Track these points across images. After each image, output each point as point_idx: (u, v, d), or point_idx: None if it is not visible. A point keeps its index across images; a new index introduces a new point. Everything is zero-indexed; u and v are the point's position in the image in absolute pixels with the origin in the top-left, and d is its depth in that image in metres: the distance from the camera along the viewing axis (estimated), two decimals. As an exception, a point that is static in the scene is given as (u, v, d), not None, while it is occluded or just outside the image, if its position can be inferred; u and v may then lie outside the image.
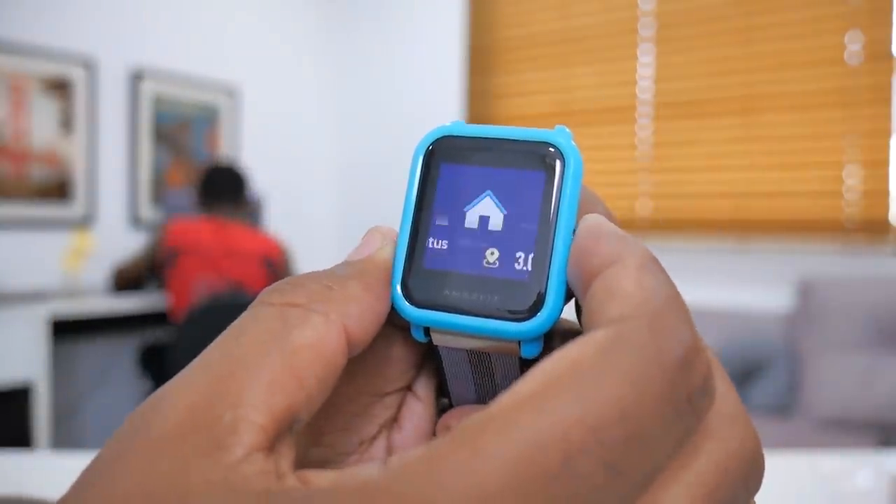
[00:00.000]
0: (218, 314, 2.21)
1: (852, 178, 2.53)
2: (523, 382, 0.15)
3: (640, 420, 0.14)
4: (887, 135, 2.47)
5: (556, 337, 0.21)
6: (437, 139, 0.22)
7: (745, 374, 2.39)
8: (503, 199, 0.21)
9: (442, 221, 0.21)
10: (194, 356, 0.17)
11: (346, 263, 0.20)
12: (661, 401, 0.14)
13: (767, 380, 2.35)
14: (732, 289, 2.67)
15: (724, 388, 0.18)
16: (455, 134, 0.22)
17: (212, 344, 0.17)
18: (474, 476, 0.13)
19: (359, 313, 0.18)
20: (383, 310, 0.19)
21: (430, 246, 0.21)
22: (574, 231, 0.20)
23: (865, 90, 2.50)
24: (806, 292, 2.41)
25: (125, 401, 2.90)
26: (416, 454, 0.14)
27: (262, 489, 0.14)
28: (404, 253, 0.21)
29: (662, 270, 0.17)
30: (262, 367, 0.16)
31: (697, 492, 0.15)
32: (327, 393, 0.17)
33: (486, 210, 0.21)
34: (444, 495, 0.13)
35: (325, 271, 0.19)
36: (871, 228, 2.49)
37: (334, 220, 3.75)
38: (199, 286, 2.30)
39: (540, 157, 0.21)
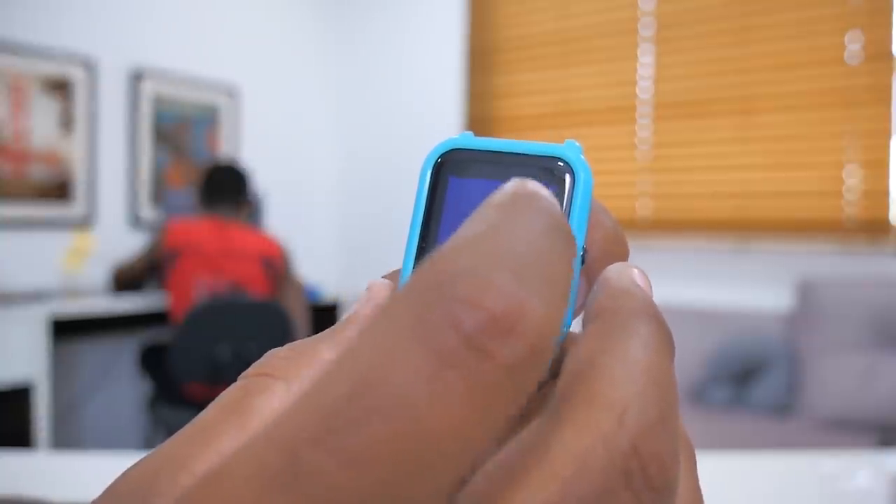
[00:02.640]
0: (218, 314, 2.21)
1: (852, 178, 2.53)
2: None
3: (381, 390, 0.11)
4: (887, 135, 2.47)
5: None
6: (446, 152, 0.22)
7: (745, 374, 2.39)
8: None
9: (450, 236, 0.21)
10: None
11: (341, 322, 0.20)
12: (411, 360, 0.11)
13: (767, 380, 2.35)
14: (732, 289, 2.67)
15: (687, 483, 0.16)
16: (464, 147, 0.22)
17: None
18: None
19: None
20: None
21: None
22: (583, 247, 0.20)
23: (865, 90, 2.50)
24: (806, 292, 2.42)
25: (125, 401, 2.90)
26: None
27: None
28: (411, 267, 0.21)
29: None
30: (215, 436, 0.16)
31: (546, 488, 0.13)
32: None
33: None
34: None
35: (307, 339, 0.19)
36: (871, 228, 2.49)
37: (334, 220, 3.75)
38: (198, 286, 2.30)
39: (549, 171, 0.20)
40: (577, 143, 0.21)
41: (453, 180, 0.21)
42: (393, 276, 0.22)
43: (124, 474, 0.16)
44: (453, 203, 0.21)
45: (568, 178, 0.20)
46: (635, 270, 0.18)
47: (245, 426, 0.17)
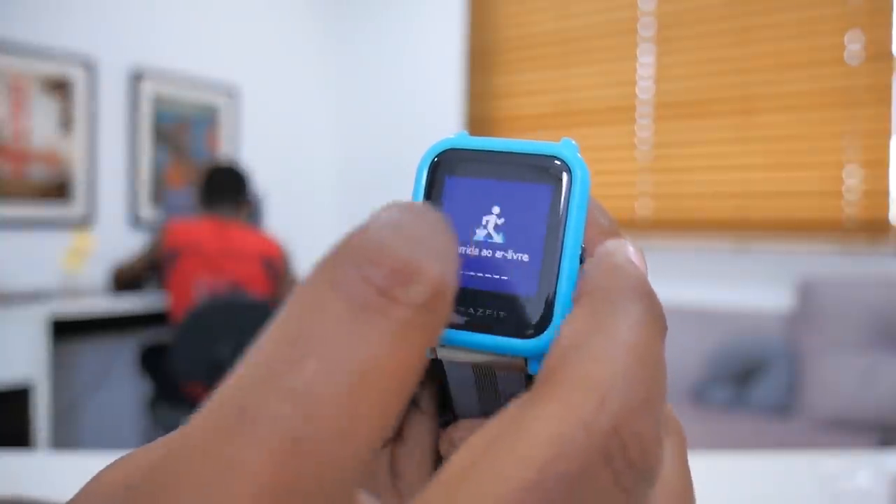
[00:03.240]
0: (218, 314, 2.21)
1: (852, 178, 2.53)
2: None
3: (302, 334, 0.13)
4: (887, 135, 2.47)
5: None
6: (442, 152, 0.22)
7: (745, 374, 2.39)
8: (509, 214, 0.20)
9: None
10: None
11: None
12: (331, 309, 0.13)
13: (767, 380, 2.35)
14: (732, 289, 2.67)
15: (673, 466, 0.16)
16: (460, 146, 0.22)
17: None
18: None
19: None
20: None
21: None
22: (582, 246, 0.20)
23: (865, 90, 2.50)
24: (806, 292, 2.42)
25: (125, 401, 2.90)
26: None
27: None
28: None
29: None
30: None
31: (523, 466, 0.13)
32: None
33: (492, 224, 0.20)
34: None
35: None
36: (871, 228, 2.49)
37: (334, 220, 3.75)
38: (198, 286, 2.30)
39: (546, 170, 0.20)
40: (574, 142, 0.21)
41: (449, 180, 0.21)
42: None
43: (102, 473, 0.16)
44: (450, 203, 0.21)
45: (565, 176, 0.20)
46: (630, 248, 0.18)
47: None
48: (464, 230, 0.21)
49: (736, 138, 2.72)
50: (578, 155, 0.20)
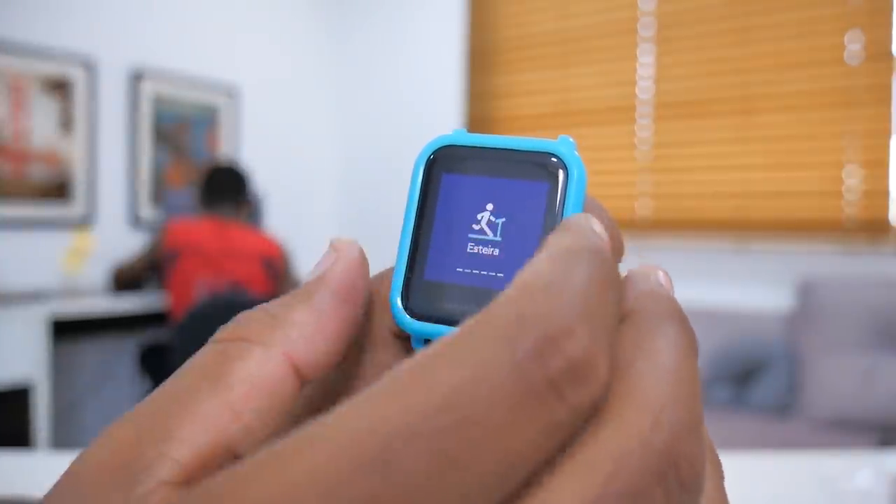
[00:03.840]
0: (218, 314, 2.21)
1: (852, 178, 2.53)
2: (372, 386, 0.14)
3: (473, 406, 0.13)
4: (887, 135, 2.47)
5: None
6: (439, 149, 0.22)
7: (745, 374, 2.39)
8: (505, 210, 0.20)
9: (443, 233, 0.21)
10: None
11: (300, 287, 0.20)
12: (504, 386, 0.13)
13: (767, 380, 2.35)
14: (732, 289, 2.67)
15: (712, 485, 0.17)
16: (456, 143, 0.22)
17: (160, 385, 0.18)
18: (278, 486, 0.13)
19: (305, 337, 0.18)
20: (338, 327, 0.19)
21: (431, 257, 0.21)
22: None
23: (865, 90, 2.50)
24: (806, 292, 2.42)
25: (125, 401, 2.90)
26: (237, 465, 0.14)
27: None
28: (404, 265, 0.21)
29: (600, 265, 0.15)
30: (195, 403, 0.16)
31: (585, 484, 0.13)
32: (275, 422, 0.17)
33: (488, 221, 0.20)
34: None
35: (277, 300, 0.19)
36: (871, 228, 2.49)
37: (334, 220, 3.75)
38: (199, 286, 2.30)
39: (542, 167, 0.20)
40: (571, 139, 0.21)
41: (446, 177, 0.21)
42: (387, 273, 0.22)
43: (89, 454, 0.16)
44: (446, 200, 0.21)
45: (561, 173, 0.20)
46: (660, 273, 0.18)
47: (226, 392, 0.17)
48: (460, 227, 0.21)
49: (736, 138, 2.72)
50: (576, 152, 0.20)
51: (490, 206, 0.21)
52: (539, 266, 0.15)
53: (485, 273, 0.20)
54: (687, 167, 2.84)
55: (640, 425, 0.14)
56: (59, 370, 2.57)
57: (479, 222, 0.21)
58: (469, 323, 0.14)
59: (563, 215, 0.20)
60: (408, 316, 0.20)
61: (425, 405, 0.13)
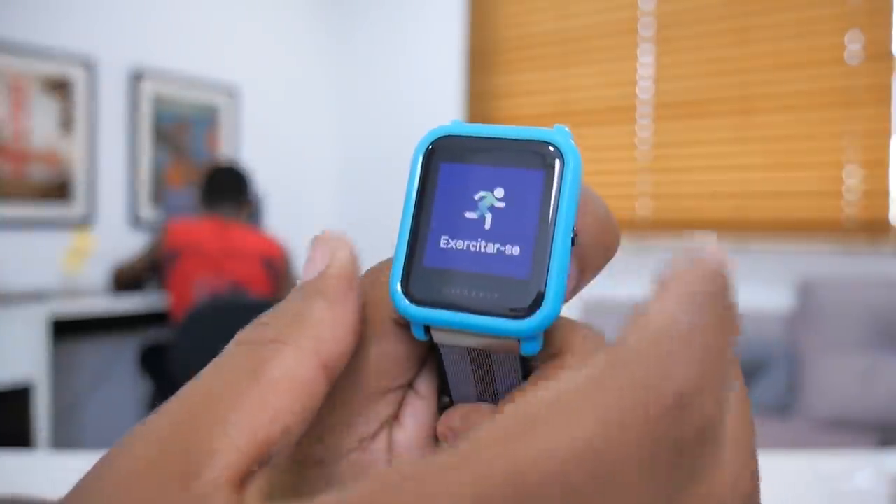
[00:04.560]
0: (218, 314, 2.21)
1: (852, 178, 2.53)
2: (501, 416, 0.14)
3: (610, 463, 0.13)
4: (887, 135, 2.47)
5: (554, 334, 0.21)
6: (437, 139, 0.22)
7: (745, 375, 2.39)
8: (502, 198, 0.21)
9: (442, 220, 0.21)
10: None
11: (305, 285, 0.20)
12: (639, 445, 0.13)
13: (767, 380, 2.35)
14: (732, 289, 2.67)
15: (736, 434, 0.17)
16: (454, 133, 0.22)
17: (186, 384, 0.17)
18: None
19: (331, 333, 0.18)
20: (354, 320, 0.19)
21: (430, 244, 0.21)
22: (574, 229, 0.20)
23: (865, 90, 2.50)
24: (806, 292, 2.42)
25: (125, 401, 2.90)
26: (366, 487, 0.14)
27: None
28: (404, 252, 0.21)
29: (712, 292, 0.17)
30: (238, 403, 0.16)
31: None
32: (307, 423, 0.18)
33: (486, 209, 0.21)
34: None
35: (290, 300, 0.19)
36: (871, 228, 2.49)
37: (334, 220, 3.75)
38: (199, 286, 2.30)
39: (539, 156, 0.21)
40: (567, 129, 0.21)
41: (444, 166, 0.22)
42: (386, 263, 0.22)
43: (127, 451, 0.16)
44: (445, 188, 0.21)
45: (557, 162, 0.20)
46: (712, 244, 0.19)
47: (269, 393, 0.17)
48: (458, 214, 0.21)
49: (735, 138, 2.72)
50: (571, 141, 0.21)
51: (487, 194, 0.21)
52: (669, 309, 0.15)
53: (482, 259, 0.20)
54: (686, 167, 2.84)
55: (651, 373, 0.14)
56: (59, 370, 2.57)
57: (476, 210, 0.21)
58: (606, 359, 0.14)
59: (558, 202, 0.20)
60: (408, 302, 0.21)
61: (569, 455, 0.13)
